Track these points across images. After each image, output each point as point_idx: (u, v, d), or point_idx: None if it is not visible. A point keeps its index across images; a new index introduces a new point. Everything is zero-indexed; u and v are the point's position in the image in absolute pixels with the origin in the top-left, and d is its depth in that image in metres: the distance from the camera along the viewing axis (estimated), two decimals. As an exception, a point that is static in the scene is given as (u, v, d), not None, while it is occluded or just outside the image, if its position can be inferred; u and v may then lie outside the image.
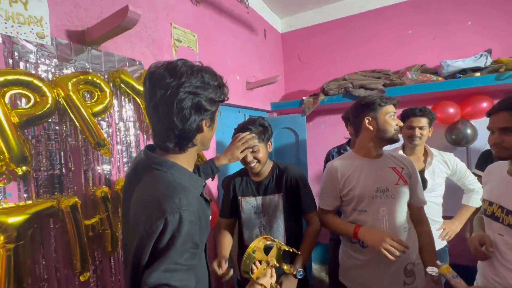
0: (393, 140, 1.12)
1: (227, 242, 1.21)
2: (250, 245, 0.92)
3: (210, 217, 0.76)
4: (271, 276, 0.90)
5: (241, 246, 1.29)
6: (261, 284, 0.85)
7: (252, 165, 1.16)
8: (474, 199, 1.53)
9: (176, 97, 0.60)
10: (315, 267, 2.80)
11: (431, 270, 0.95)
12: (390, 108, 1.11)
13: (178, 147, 0.67)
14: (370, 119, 1.13)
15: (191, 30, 1.73)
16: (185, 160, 0.70)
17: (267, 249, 0.93)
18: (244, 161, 1.18)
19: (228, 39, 2.14)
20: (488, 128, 0.98)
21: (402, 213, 1.12)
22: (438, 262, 1.00)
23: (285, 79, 3.16)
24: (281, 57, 3.15)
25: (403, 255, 1.00)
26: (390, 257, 0.96)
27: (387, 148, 1.23)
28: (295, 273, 0.99)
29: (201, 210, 0.66)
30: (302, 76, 3.03)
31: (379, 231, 1.06)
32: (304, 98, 2.57)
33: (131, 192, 0.69)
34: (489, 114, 0.97)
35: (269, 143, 1.23)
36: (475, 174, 1.51)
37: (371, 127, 1.13)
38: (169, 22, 1.57)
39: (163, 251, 0.57)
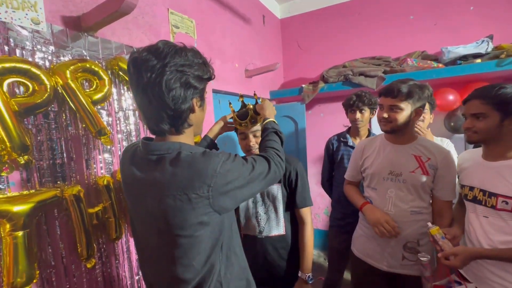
0: (383, 131, 1.23)
1: None
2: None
3: None
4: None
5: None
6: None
7: (253, 150, 1.17)
8: None
9: (164, 77, 0.61)
10: (314, 252, 2.87)
11: (422, 255, 1.05)
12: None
13: (173, 128, 0.67)
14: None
15: (188, 16, 1.68)
16: (185, 141, 0.70)
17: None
18: (244, 146, 1.20)
19: (226, 25, 2.09)
20: (462, 114, 1.06)
21: (411, 198, 1.16)
22: (429, 223, 1.05)
23: (284, 66, 3.12)
24: (280, 44, 3.09)
25: (403, 234, 1.14)
26: (380, 236, 1.13)
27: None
28: (305, 278, 1.15)
29: None
30: (301, 63, 3.00)
31: (379, 212, 1.17)
32: (303, 86, 2.54)
33: (138, 185, 0.69)
34: (464, 102, 1.05)
35: None
36: None
37: None
38: (166, 8, 1.52)
39: (242, 180, 0.68)
